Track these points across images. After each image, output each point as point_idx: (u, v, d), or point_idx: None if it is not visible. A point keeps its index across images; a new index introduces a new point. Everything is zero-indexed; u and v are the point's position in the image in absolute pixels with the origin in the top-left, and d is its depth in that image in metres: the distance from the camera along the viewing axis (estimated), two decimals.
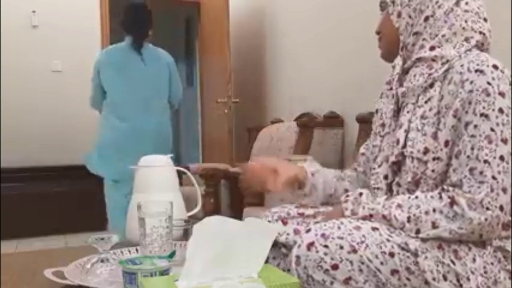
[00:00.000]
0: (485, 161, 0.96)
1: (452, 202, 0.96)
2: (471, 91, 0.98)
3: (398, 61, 1.17)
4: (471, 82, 0.99)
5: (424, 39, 1.09)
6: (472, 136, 0.98)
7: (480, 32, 1.07)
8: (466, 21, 1.06)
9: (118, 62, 2.80)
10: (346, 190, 1.27)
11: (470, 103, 0.98)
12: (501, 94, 0.98)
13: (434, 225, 0.97)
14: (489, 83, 0.98)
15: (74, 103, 4.52)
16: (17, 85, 4.33)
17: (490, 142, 0.96)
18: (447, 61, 1.05)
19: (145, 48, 2.83)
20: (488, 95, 0.97)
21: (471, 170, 0.97)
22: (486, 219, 0.94)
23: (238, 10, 4.51)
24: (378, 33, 1.21)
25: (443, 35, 1.06)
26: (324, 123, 3.25)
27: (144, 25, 2.84)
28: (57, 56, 4.49)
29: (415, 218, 0.98)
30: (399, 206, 1.01)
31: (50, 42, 4.46)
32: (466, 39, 1.06)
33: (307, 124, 3.20)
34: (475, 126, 0.98)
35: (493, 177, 0.95)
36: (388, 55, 1.20)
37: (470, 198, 0.95)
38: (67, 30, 4.50)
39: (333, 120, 3.26)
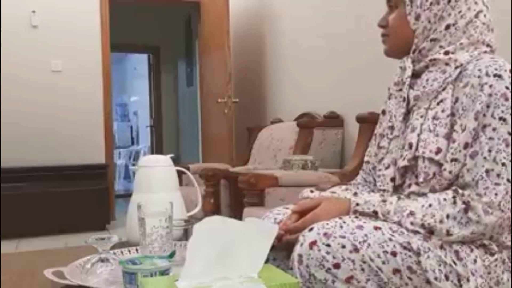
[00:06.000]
0: (503, 164, 0.97)
1: (467, 208, 0.97)
2: (490, 94, 1.00)
3: (408, 63, 1.14)
4: (490, 86, 1.00)
5: (441, 46, 1.09)
6: (490, 138, 0.99)
7: (488, 45, 1.09)
8: (481, 33, 1.09)
9: None
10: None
11: (488, 106, 1.00)
12: None
13: (448, 233, 0.98)
14: (507, 88, 1.00)
15: (74, 103, 4.53)
16: (17, 85, 4.33)
17: (507, 145, 0.98)
18: (461, 64, 1.06)
19: None
20: (507, 99, 0.99)
21: (487, 171, 0.98)
22: (499, 221, 0.97)
23: (238, 10, 4.51)
24: (382, 26, 1.18)
25: (461, 44, 1.08)
26: (324, 123, 3.25)
27: None
28: (57, 56, 4.49)
29: (429, 228, 0.98)
30: (412, 214, 1.00)
31: (50, 42, 4.46)
32: (477, 49, 1.08)
33: (307, 124, 3.19)
34: (494, 129, 0.99)
35: (508, 180, 0.97)
36: (394, 53, 1.18)
37: (487, 202, 0.96)
38: (67, 30, 4.50)
39: (333, 120, 3.26)
